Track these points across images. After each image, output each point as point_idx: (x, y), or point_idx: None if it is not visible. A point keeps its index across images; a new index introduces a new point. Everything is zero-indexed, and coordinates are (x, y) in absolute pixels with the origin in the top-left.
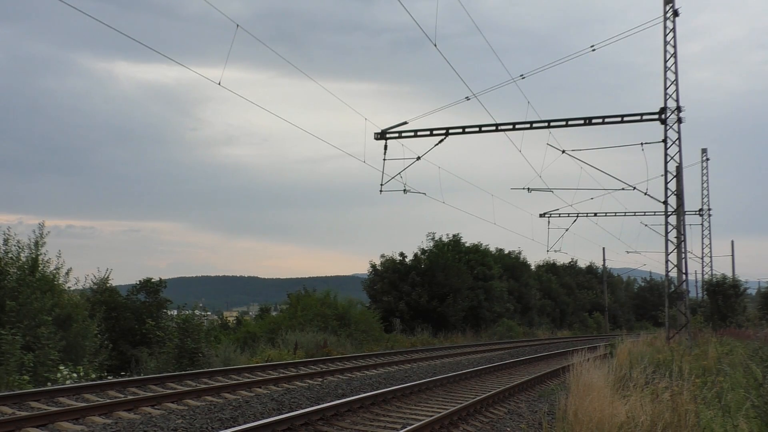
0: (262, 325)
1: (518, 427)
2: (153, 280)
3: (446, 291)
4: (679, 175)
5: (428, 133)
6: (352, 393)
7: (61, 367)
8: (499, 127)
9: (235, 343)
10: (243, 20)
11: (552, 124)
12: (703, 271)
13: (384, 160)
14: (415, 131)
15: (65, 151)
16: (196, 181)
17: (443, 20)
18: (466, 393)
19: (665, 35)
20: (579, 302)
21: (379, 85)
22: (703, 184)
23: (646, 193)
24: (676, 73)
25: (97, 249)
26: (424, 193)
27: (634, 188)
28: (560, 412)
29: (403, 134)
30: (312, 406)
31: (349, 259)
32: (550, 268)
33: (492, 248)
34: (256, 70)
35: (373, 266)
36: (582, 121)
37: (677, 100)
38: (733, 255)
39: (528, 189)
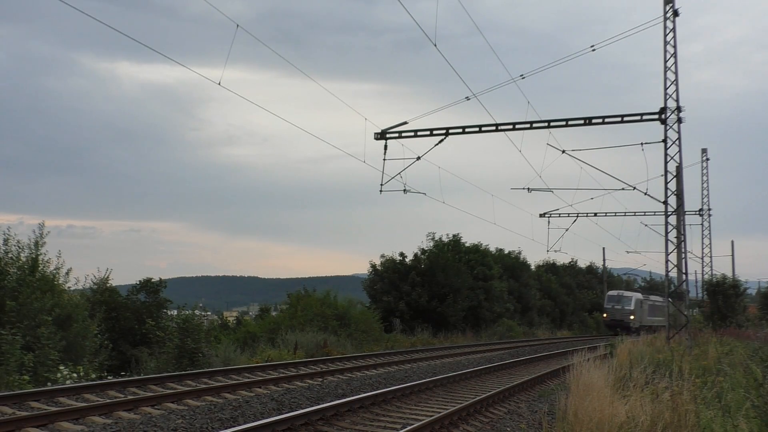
0: (262, 325)
1: (518, 427)
2: (153, 280)
3: (446, 291)
4: (679, 175)
5: (428, 133)
6: (352, 393)
7: (61, 367)
8: (499, 127)
9: (235, 343)
10: (244, 21)
11: (552, 124)
12: (703, 271)
13: (384, 160)
14: (415, 131)
15: (66, 151)
16: (197, 181)
17: (444, 21)
18: (466, 393)
19: (665, 35)
20: (579, 302)
21: (380, 86)
22: (703, 184)
23: (646, 193)
24: (676, 73)
25: (98, 249)
26: (424, 193)
27: (634, 188)
28: (560, 412)
29: (403, 134)
30: (312, 406)
31: (349, 259)
32: (550, 268)
33: (492, 248)
34: (257, 71)
35: (373, 266)
36: (582, 121)
37: (677, 100)
38: (733, 255)
39: (528, 189)
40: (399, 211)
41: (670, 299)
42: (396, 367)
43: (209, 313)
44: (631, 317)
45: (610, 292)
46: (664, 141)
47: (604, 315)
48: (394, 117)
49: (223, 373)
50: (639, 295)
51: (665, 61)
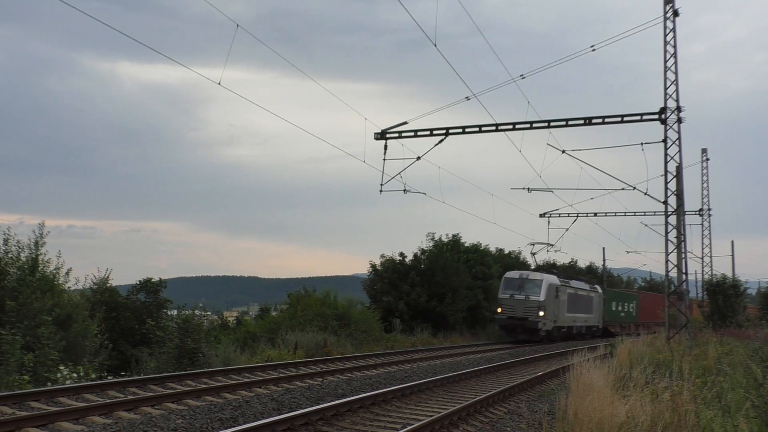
0: (262, 325)
1: (518, 427)
2: (153, 280)
3: (445, 290)
4: (679, 175)
5: (428, 133)
6: (352, 393)
7: (61, 367)
8: (499, 127)
9: (235, 343)
10: (245, 21)
11: (552, 124)
12: (703, 271)
13: (384, 160)
14: (415, 131)
15: (67, 151)
16: (197, 181)
17: (444, 21)
18: (466, 393)
19: (665, 35)
20: None
21: (380, 86)
22: (703, 184)
23: (646, 193)
24: (676, 73)
25: (98, 249)
26: (424, 193)
27: (634, 188)
28: (560, 412)
29: (403, 134)
30: (312, 406)
31: (349, 259)
32: (550, 268)
33: (492, 248)
34: (258, 71)
35: (373, 266)
36: (582, 121)
37: (677, 100)
38: (733, 255)
39: (528, 189)
40: (399, 211)
41: (598, 287)
42: (396, 367)
43: (209, 313)
44: (540, 313)
45: (509, 274)
46: (664, 141)
47: (498, 310)
48: (394, 117)
49: (223, 373)
50: (554, 279)
51: (665, 61)
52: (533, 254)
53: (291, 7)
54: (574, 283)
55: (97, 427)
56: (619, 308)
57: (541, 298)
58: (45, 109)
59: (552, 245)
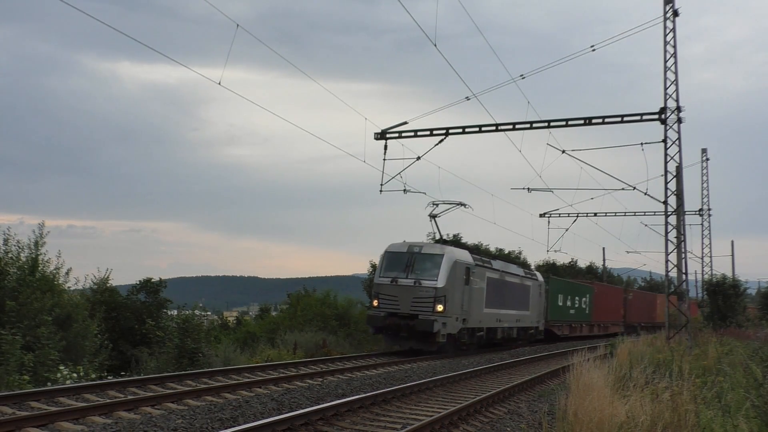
0: (262, 325)
1: (518, 427)
2: (153, 280)
3: None
4: (679, 175)
5: (428, 133)
6: (352, 393)
7: (61, 367)
8: (499, 127)
9: (235, 343)
10: (245, 21)
11: (552, 124)
12: (703, 271)
13: (384, 160)
14: (415, 131)
15: (67, 151)
16: (198, 181)
17: (444, 21)
18: (466, 393)
19: (665, 35)
20: None
21: (381, 86)
22: (703, 184)
23: (646, 193)
24: (676, 73)
25: (98, 249)
26: (424, 193)
27: (634, 188)
28: (560, 412)
29: (403, 134)
30: (312, 406)
31: (349, 259)
32: (550, 268)
33: (492, 248)
34: (259, 71)
35: (373, 266)
36: (582, 121)
37: (677, 100)
38: (733, 255)
39: (528, 189)
40: (399, 211)
41: (537, 274)
42: (396, 367)
43: (209, 313)
44: (438, 308)
45: (392, 246)
46: (664, 141)
47: (374, 302)
48: (394, 117)
49: (223, 373)
50: (464, 256)
51: (665, 61)
52: (433, 217)
53: (291, 7)
54: (498, 264)
55: (97, 427)
56: (568, 303)
57: (440, 283)
58: (45, 109)
59: (464, 205)
